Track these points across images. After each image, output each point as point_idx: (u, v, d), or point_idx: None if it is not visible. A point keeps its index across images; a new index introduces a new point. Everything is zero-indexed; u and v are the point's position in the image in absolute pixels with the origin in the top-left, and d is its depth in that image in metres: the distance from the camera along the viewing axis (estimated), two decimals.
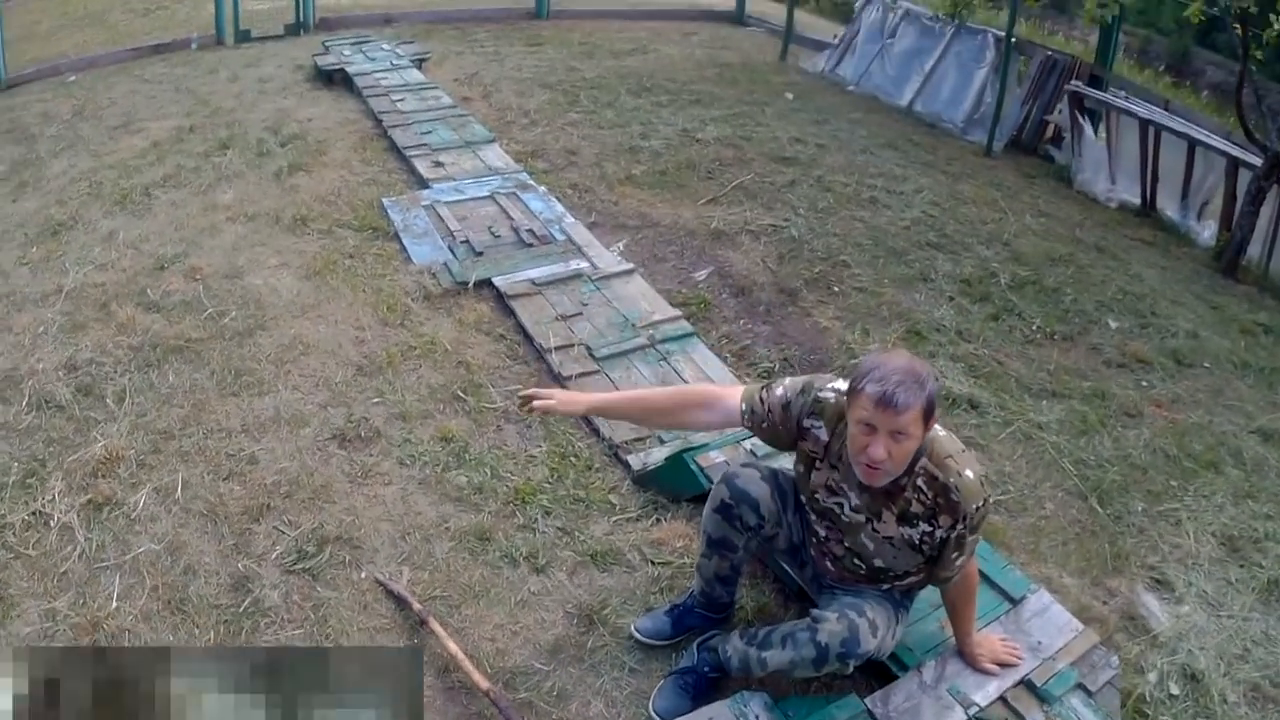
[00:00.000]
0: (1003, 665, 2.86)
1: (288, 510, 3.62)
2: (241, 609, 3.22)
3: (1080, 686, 2.86)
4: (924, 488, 2.51)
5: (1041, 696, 2.81)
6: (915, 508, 2.54)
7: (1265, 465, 4.31)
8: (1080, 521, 3.86)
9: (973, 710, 2.75)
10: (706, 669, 2.88)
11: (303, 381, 4.33)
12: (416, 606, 3.14)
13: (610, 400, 3.12)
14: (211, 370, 4.38)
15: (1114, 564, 3.63)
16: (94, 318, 4.80)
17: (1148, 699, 3.05)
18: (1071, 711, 2.80)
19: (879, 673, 2.93)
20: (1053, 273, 5.82)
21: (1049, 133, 8.38)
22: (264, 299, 4.94)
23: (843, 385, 2.59)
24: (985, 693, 2.80)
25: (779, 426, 2.70)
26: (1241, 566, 3.67)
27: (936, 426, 2.53)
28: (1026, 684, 2.84)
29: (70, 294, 5.02)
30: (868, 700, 2.75)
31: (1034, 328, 5.22)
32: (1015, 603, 3.10)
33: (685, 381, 4.33)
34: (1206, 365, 5.12)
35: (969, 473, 2.49)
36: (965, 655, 2.88)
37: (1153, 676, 3.12)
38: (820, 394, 2.65)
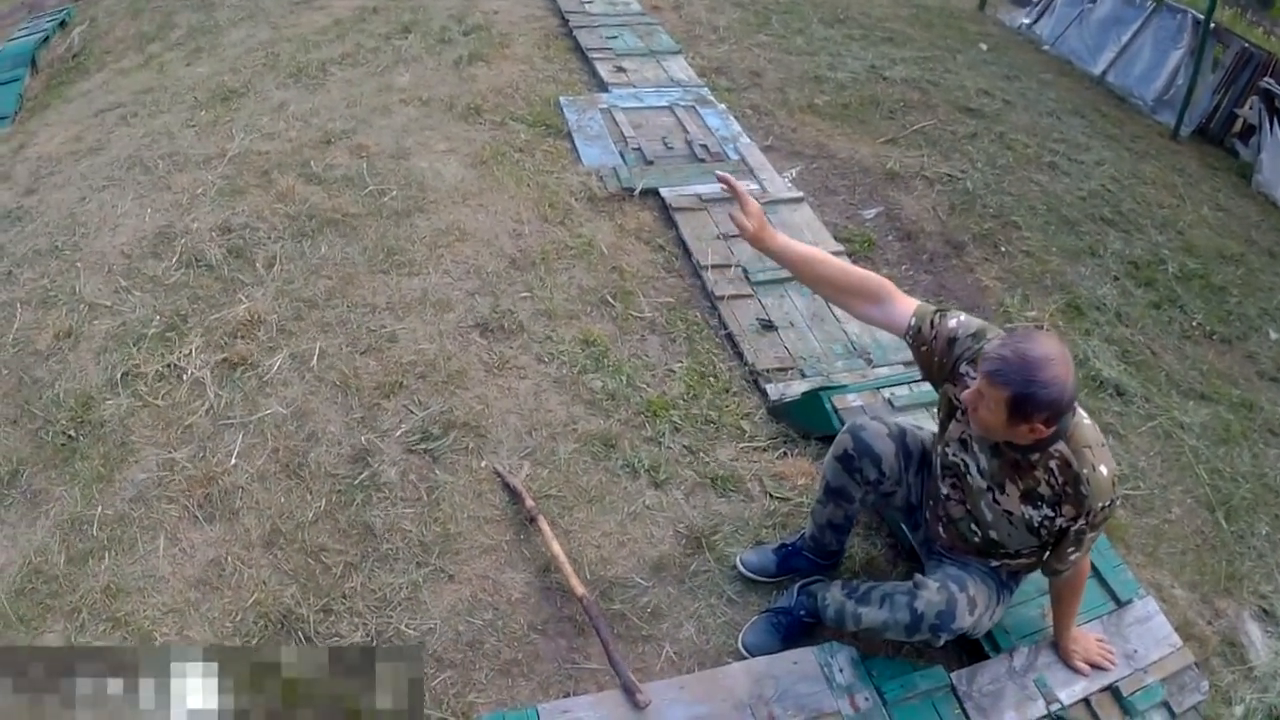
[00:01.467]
0: (1094, 667, 2.83)
1: (419, 391, 3.74)
2: (357, 481, 3.35)
3: (1165, 705, 2.81)
4: (1055, 471, 2.44)
5: (1125, 707, 2.78)
6: (1043, 489, 2.48)
7: None
8: (1203, 533, 3.72)
9: (1055, 707, 2.74)
10: (802, 613, 2.92)
11: (454, 267, 4.43)
12: (529, 503, 3.23)
13: (791, 249, 2.79)
14: (364, 246, 4.51)
15: (1227, 584, 3.51)
16: (254, 184, 4.95)
17: None
18: None
19: (972, 649, 2.93)
20: (1222, 270, 5.53)
21: (1238, 126, 7.89)
22: (427, 182, 5.04)
23: None
24: (1071, 691, 2.78)
25: (935, 357, 2.59)
26: None
27: (1082, 413, 2.45)
28: (1113, 690, 2.81)
29: (234, 159, 5.18)
30: (953, 675, 2.76)
31: (1194, 323, 4.99)
32: (1121, 605, 3.04)
33: (835, 319, 4.29)
34: None
35: (1104, 469, 2.41)
36: (1060, 649, 2.85)
37: (1239, 710, 3.02)
38: (987, 345, 2.52)
